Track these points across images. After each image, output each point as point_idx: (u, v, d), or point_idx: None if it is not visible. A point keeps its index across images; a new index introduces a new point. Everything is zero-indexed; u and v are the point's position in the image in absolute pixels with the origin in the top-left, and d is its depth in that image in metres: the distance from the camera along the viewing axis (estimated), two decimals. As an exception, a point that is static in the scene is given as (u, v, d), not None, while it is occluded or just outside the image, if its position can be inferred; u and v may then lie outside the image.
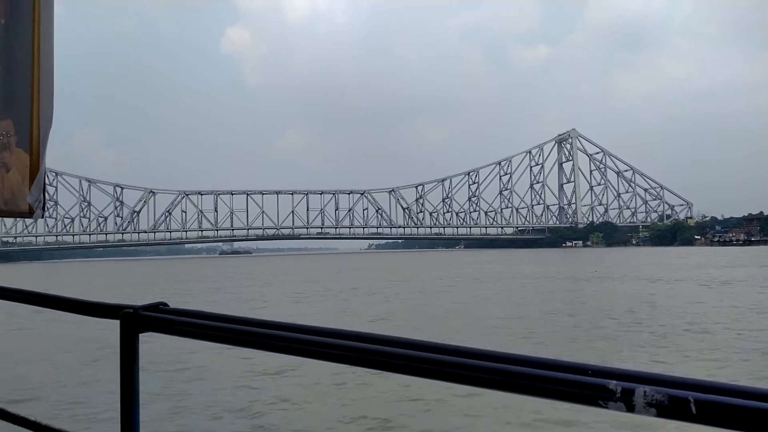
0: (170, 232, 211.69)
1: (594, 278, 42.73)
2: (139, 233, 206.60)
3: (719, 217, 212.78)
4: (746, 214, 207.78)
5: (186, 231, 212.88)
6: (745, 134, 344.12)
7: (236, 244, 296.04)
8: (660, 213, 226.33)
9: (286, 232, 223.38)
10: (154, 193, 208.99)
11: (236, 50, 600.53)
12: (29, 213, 2.02)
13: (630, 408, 0.90)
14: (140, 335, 1.52)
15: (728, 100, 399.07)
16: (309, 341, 1.25)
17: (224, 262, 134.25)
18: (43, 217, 2.04)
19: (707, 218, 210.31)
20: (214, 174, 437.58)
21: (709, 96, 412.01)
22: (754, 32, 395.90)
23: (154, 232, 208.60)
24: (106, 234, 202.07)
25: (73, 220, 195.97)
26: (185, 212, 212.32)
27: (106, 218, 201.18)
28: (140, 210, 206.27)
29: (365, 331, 1.23)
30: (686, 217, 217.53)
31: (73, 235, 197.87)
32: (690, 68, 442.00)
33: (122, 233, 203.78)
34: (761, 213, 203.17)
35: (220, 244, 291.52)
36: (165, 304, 1.55)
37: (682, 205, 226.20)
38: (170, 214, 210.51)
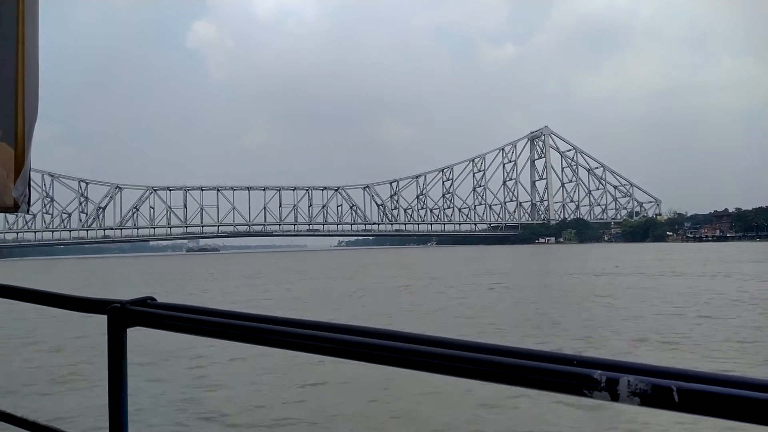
0: (137, 228, 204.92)
1: (644, 274, 41.31)
2: (104, 230, 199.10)
3: (685, 214, 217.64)
4: (712, 211, 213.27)
5: (154, 227, 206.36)
6: (706, 134, 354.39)
7: (202, 242, 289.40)
8: (629, 210, 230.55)
9: (257, 228, 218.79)
10: (120, 188, 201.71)
11: (203, 44, 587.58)
12: (14, 208, 1.99)
13: (614, 397, 0.92)
14: (128, 330, 1.51)
15: (689, 100, 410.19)
16: (298, 334, 1.26)
17: (202, 260, 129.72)
18: (28, 212, 2.04)
19: (677, 215, 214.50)
20: (182, 169, 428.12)
21: (671, 96, 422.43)
22: (715, 36, 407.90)
23: (121, 229, 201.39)
24: (70, 231, 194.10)
25: (35, 216, 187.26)
26: (153, 208, 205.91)
27: (69, 214, 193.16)
28: (106, 206, 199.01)
29: (357, 324, 1.24)
30: (655, 214, 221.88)
31: (35, 232, 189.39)
32: (652, 69, 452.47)
33: (87, 230, 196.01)
34: (726, 210, 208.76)
35: (186, 241, 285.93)
36: (153, 299, 1.54)
37: (650, 202, 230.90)
38: (137, 210, 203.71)
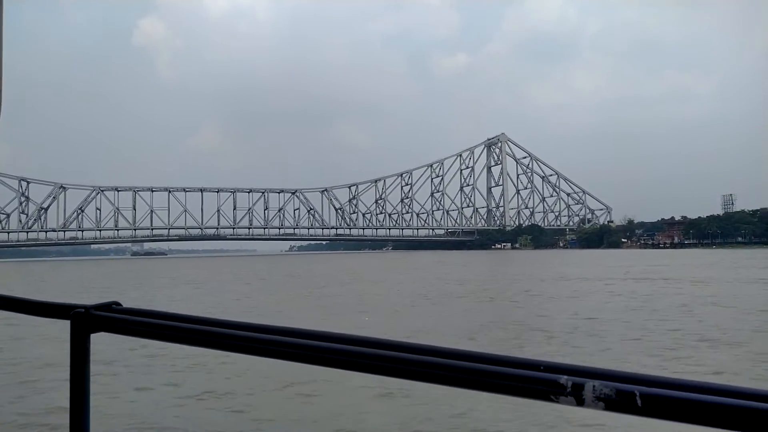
0: (82, 231, 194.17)
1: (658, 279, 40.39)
2: (47, 232, 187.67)
3: (633, 221, 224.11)
4: (659, 219, 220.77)
5: (100, 230, 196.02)
6: (650, 144, 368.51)
7: (146, 245, 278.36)
8: (581, 216, 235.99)
9: (210, 232, 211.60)
10: (64, 188, 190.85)
11: (150, 42, 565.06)
12: None
13: (580, 402, 0.94)
14: (92, 335, 1.47)
15: (634, 112, 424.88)
16: (266, 340, 1.25)
17: (150, 264, 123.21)
18: None
19: (629, 222, 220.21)
20: (130, 170, 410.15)
21: (617, 108, 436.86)
22: (659, 51, 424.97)
23: (64, 231, 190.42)
24: (9, 233, 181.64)
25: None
26: (100, 210, 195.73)
27: (8, 215, 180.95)
28: (48, 206, 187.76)
29: (327, 330, 1.24)
30: (607, 221, 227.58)
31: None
32: (599, 81, 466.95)
33: (27, 232, 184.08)
34: (672, 218, 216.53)
35: (130, 244, 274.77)
36: (118, 304, 1.51)
37: (601, 209, 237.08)
38: (83, 211, 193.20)
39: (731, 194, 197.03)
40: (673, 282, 39.38)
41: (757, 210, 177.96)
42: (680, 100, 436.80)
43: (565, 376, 0.97)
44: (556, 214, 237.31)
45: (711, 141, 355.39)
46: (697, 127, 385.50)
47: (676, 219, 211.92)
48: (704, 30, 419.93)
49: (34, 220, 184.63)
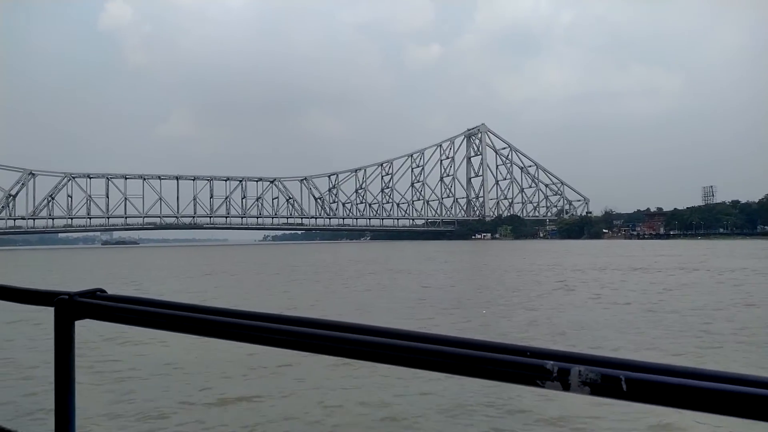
0: (53, 219, 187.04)
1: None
2: (15, 220, 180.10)
3: (612, 212, 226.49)
4: (636, 210, 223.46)
5: (72, 218, 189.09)
6: (619, 137, 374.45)
7: (116, 234, 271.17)
8: (559, 207, 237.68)
9: (186, 221, 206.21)
10: (34, 174, 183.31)
11: (117, 27, 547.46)
12: None
13: (566, 387, 0.96)
14: (76, 322, 1.46)
15: (606, 105, 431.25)
16: (255, 327, 1.26)
17: (125, 254, 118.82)
18: None
19: (606, 213, 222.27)
20: (101, 157, 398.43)
21: (586, 100, 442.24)
22: (628, 46, 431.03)
23: (34, 219, 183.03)
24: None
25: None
26: (71, 197, 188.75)
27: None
28: (17, 193, 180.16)
29: (320, 317, 1.25)
30: (587, 212, 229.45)
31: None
32: (571, 74, 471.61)
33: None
34: (648, 209, 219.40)
35: (100, 233, 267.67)
36: (102, 291, 1.51)
37: (579, 200, 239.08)
38: (53, 198, 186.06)
39: (712, 186, 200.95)
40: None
41: (737, 201, 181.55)
42: (650, 93, 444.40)
43: (551, 362, 0.98)
44: (535, 204, 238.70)
45: (681, 133, 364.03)
46: (667, 120, 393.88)
47: (652, 210, 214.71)
48: (673, 25, 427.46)
49: (2, 207, 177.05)
